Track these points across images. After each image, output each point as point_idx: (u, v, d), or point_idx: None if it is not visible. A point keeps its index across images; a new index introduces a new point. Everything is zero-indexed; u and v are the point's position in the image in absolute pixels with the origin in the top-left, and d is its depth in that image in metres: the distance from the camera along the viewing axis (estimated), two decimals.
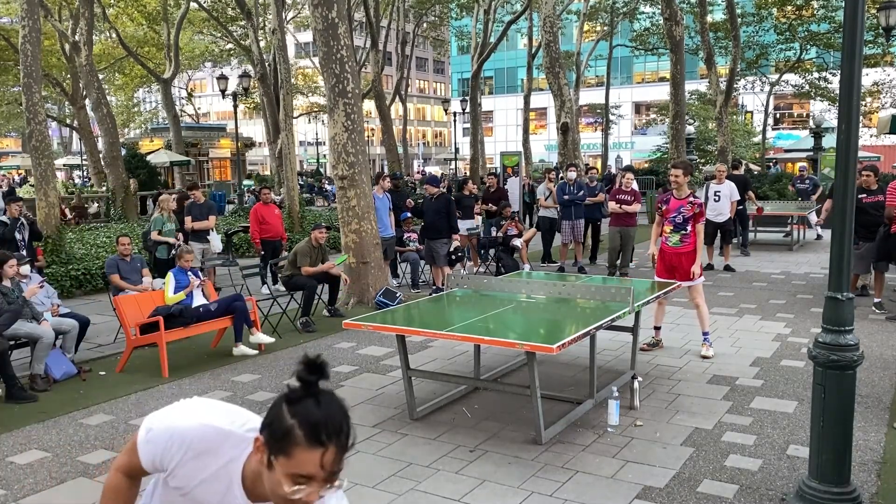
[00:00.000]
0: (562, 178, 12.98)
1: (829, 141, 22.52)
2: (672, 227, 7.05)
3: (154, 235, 10.47)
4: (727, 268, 12.18)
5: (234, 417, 1.79)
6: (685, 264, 7.00)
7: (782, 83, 34.97)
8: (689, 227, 6.98)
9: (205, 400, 1.86)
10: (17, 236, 9.71)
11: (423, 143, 77.50)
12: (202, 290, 7.69)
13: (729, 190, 12.42)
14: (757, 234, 15.47)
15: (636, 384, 5.61)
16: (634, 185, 12.01)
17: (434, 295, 8.91)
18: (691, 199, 7.01)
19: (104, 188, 22.12)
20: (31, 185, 21.32)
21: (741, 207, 13.61)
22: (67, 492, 4.41)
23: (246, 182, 30.45)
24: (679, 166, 7.21)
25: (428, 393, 6.00)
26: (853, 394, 3.80)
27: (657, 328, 7.45)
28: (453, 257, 10.88)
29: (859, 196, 8.67)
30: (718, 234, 12.49)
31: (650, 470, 4.51)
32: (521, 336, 4.95)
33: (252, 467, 1.71)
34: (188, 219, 10.76)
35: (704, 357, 6.95)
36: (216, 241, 10.96)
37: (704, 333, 7.13)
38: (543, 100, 49.33)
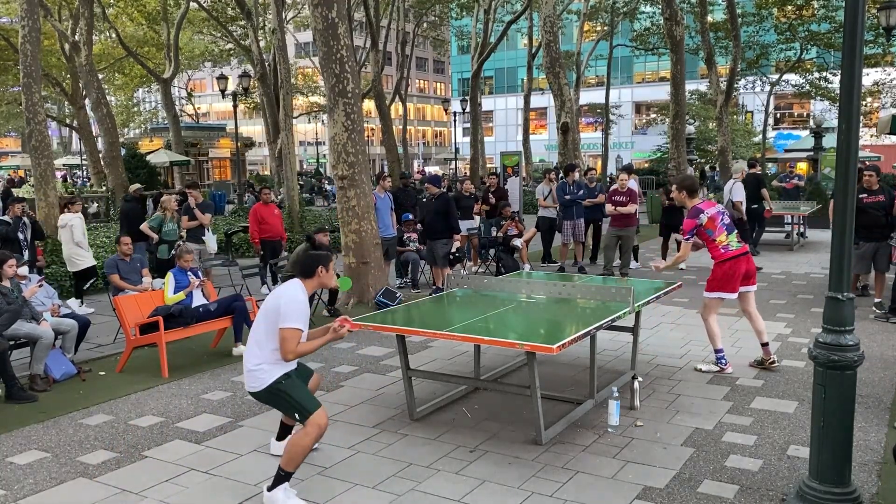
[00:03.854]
0: (562, 178, 12.95)
1: (830, 141, 22.53)
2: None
3: (144, 226, 10.54)
4: None
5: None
6: (710, 276, 6.59)
7: (783, 83, 34.96)
8: (701, 239, 6.50)
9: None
10: (20, 236, 9.70)
11: (423, 143, 77.48)
12: (202, 290, 7.68)
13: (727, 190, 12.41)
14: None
15: (636, 384, 5.60)
16: (633, 185, 11.98)
17: (434, 295, 8.91)
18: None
19: (104, 188, 22.12)
20: (30, 185, 21.31)
21: (755, 206, 13.53)
22: (67, 492, 4.41)
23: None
24: (674, 182, 6.86)
25: (428, 393, 6.00)
26: (853, 394, 3.80)
27: (718, 351, 6.57)
28: (452, 257, 10.86)
29: (860, 196, 8.67)
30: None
31: (650, 470, 4.50)
32: (521, 336, 4.94)
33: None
34: (185, 219, 10.76)
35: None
36: (212, 243, 10.90)
37: (716, 352, 6.56)
38: (543, 100, 49.37)
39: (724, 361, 6.53)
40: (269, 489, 4.10)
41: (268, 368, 4.18)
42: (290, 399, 4.15)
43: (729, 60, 25.72)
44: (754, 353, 7.10)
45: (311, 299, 8.61)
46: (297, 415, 4.15)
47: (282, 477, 4.07)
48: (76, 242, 10.02)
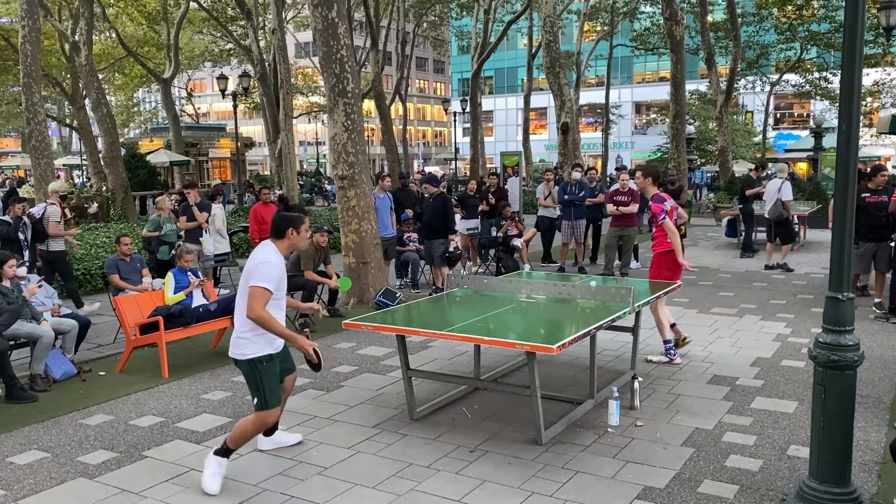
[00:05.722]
0: (562, 179, 12.96)
1: (830, 141, 22.54)
2: None
3: (144, 232, 10.69)
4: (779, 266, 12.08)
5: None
6: (654, 266, 7.08)
7: (783, 83, 34.98)
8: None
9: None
10: (21, 237, 9.69)
11: (423, 143, 77.47)
12: (202, 290, 7.68)
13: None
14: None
15: (636, 384, 5.60)
16: (633, 185, 11.97)
17: (434, 295, 8.90)
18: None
19: (103, 188, 22.08)
20: (30, 185, 21.32)
21: (741, 206, 13.65)
22: (67, 492, 4.41)
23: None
24: (639, 169, 7.29)
25: (428, 393, 6.00)
26: (853, 394, 3.80)
27: (666, 342, 6.91)
28: (452, 257, 10.84)
29: (863, 195, 8.66)
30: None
31: (650, 470, 4.50)
32: (521, 336, 4.94)
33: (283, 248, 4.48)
34: (182, 219, 10.75)
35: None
36: (208, 244, 10.89)
37: (664, 342, 6.82)
38: (543, 100, 49.34)
39: (672, 353, 6.78)
40: (216, 453, 4.39)
41: (253, 338, 4.33)
42: (260, 383, 4.36)
43: (729, 60, 25.74)
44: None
45: (310, 298, 8.66)
46: (255, 399, 4.38)
47: (226, 451, 4.38)
48: (216, 230, 11.32)
